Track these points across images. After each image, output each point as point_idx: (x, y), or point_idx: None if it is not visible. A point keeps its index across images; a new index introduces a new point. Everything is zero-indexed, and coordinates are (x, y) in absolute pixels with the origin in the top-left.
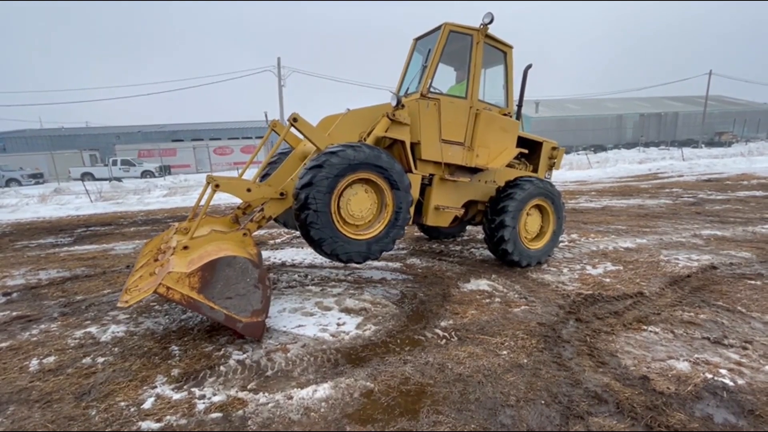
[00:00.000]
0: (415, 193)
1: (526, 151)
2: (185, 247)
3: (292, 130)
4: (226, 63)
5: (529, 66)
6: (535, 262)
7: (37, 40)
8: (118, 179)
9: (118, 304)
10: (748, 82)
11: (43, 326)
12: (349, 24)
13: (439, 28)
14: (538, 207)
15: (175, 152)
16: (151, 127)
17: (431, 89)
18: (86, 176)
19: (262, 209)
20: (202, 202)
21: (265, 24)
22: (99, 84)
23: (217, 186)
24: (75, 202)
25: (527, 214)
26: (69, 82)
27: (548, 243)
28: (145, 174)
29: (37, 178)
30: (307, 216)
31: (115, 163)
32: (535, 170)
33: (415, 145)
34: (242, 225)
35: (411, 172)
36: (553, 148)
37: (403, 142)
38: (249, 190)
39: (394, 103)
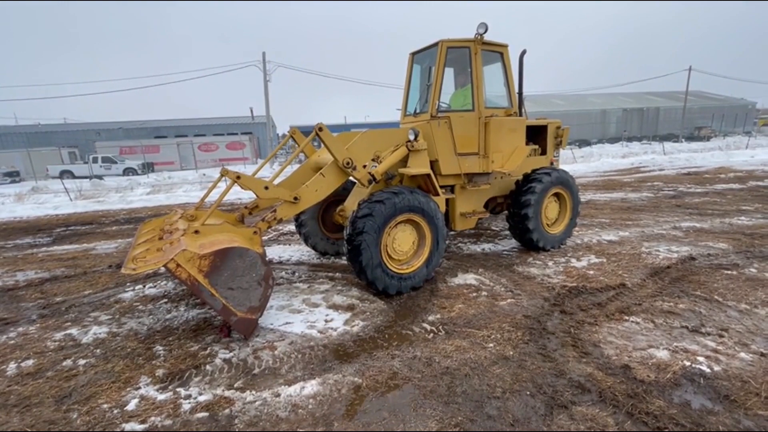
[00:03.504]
0: (442, 209)
1: (537, 147)
2: (196, 232)
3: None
4: (210, 58)
5: (524, 52)
6: (555, 245)
7: (7, 34)
8: (99, 177)
9: (123, 270)
10: (726, 78)
11: (21, 329)
12: (334, 22)
13: (435, 44)
14: (556, 194)
15: (158, 149)
16: (133, 123)
17: (439, 106)
18: (65, 174)
19: (274, 210)
20: (213, 194)
21: (249, 20)
22: (77, 79)
23: (238, 178)
24: (54, 201)
25: (547, 203)
26: (44, 78)
27: (567, 227)
28: (128, 171)
29: (13, 176)
30: (361, 243)
31: (95, 160)
32: (544, 151)
33: (433, 163)
34: (253, 224)
35: (438, 195)
36: (558, 128)
37: (428, 175)
38: (266, 188)
39: (412, 137)
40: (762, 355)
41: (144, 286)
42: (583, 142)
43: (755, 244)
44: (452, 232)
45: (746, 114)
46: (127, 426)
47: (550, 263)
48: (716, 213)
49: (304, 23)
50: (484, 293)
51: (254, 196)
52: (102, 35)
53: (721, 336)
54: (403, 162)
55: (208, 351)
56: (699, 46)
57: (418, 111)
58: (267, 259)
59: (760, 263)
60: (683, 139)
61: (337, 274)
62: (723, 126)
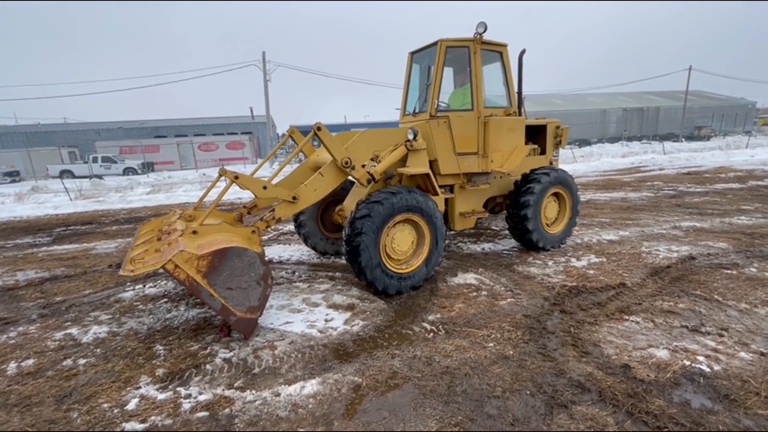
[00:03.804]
0: (441, 208)
1: (536, 147)
2: (194, 232)
3: (289, 137)
4: (209, 58)
5: (523, 51)
6: (555, 245)
7: (8, 34)
8: (99, 177)
9: (121, 272)
10: (726, 77)
11: (21, 328)
12: (334, 22)
13: (435, 44)
14: (556, 194)
15: (158, 149)
16: (133, 123)
17: (438, 105)
18: (65, 174)
19: (272, 210)
20: (212, 193)
21: (249, 20)
22: (76, 79)
23: (236, 178)
24: (54, 200)
25: (546, 203)
26: (44, 78)
27: (566, 226)
28: (128, 171)
29: (13, 176)
30: (360, 244)
31: (95, 160)
32: (543, 151)
33: (432, 163)
34: (251, 223)
35: (437, 194)
36: (557, 127)
37: (427, 174)
38: (265, 187)
39: (411, 137)
40: (762, 354)
41: (144, 286)
42: (583, 142)
43: (755, 243)
44: (452, 232)
45: (746, 114)
46: (128, 425)
47: (550, 263)
48: (716, 212)
49: (304, 23)
50: (484, 293)
51: (253, 195)
52: (102, 35)
53: (721, 335)
54: (402, 161)
55: (208, 350)
56: (699, 45)
57: (417, 110)
58: (266, 258)
59: (760, 263)
60: (683, 139)
61: (337, 273)
62: (723, 125)
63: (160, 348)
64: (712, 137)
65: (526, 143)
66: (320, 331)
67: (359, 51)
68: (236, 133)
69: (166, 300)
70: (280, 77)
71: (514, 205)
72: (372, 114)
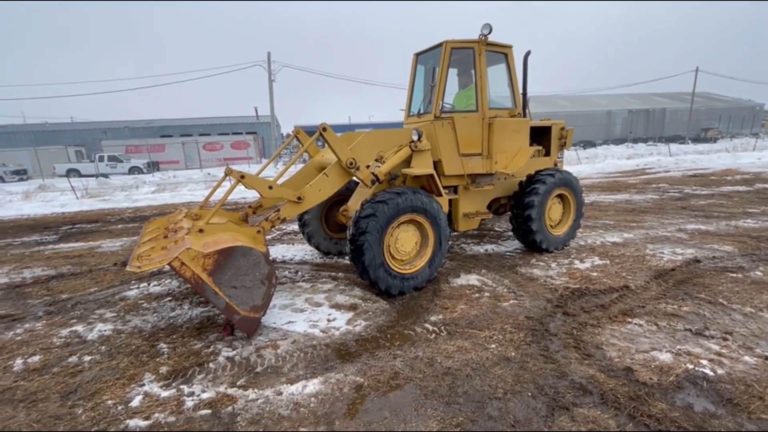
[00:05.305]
0: (445, 209)
1: (541, 149)
2: (200, 230)
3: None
4: (214, 59)
5: (528, 53)
6: (558, 247)
7: (14, 33)
8: (105, 176)
9: (128, 268)
10: (733, 79)
11: (27, 325)
12: (337, 24)
13: (440, 45)
14: (560, 196)
15: (163, 148)
16: (139, 123)
17: (443, 106)
18: (72, 172)
19: (278, 210)
20: (218, 193)
21: (253, 21)
22: (83, 78)
23: (242, 177)
24: (60, 199)
25: (551, 204)
26: (50, 77)
27: (570, 228)
28: (133, 170)
29: (21, 174)
30: (364, 243)
31: (101, 159)
32: (548, 152)
33: (436, 164)
34: (256, 223)
35: (441, 195)
36: (562, 129)
37: (432, 175)
38: (270, 187)
39: (415, 138)
40: (766, 358)
41: (149, 284)
42: (588, 144)
43: (761, 247)
44: (455, 233)
45: (753, 115)
46: (131, 422)
47: (554, 265)
48: (722, 215)
49: (307, 24)
50: (487, 294)
51: (258, 195)
52: (108, 35)
53: (725, 339)
54: (407, 162)
55: (211, 349)
56: (706, 47)
57: (421, 111)
58: (270, 258)
59: (766, 266)
60: (689, 141)
61: (340, 273)
62: (730, 127)
63: (164, 346)
64: (718, 139)
65: (531, 144)
66: (322, 331)
67: (363, 52)
68: (241, 133)
69: (170, 298)
70: (284, 78)
71: (519, 206)
72: (376, 115)
